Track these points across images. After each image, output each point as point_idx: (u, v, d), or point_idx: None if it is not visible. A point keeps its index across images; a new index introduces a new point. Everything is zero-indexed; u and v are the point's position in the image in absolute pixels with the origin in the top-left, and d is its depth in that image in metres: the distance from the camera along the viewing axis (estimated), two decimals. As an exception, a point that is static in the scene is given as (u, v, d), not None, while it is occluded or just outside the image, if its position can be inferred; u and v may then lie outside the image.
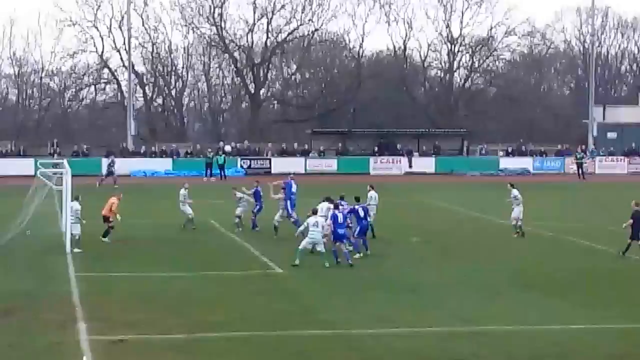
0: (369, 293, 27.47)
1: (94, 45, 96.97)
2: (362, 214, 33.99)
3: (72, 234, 34.45)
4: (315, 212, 32.76)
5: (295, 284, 29.12)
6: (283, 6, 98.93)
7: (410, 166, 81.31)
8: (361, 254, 33.46)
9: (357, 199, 35.42)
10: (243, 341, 21.91)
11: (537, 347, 21.65)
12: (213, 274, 30.68)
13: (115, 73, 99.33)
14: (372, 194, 38.97)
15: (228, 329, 22.80)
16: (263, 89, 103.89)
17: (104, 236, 36.69)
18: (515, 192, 39.45)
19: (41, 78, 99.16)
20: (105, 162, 69.15)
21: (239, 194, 40.39)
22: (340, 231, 32.16)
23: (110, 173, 64.98)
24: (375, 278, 29.94)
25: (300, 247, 31.90)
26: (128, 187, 57.10)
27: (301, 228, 33.20)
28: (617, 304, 26.21)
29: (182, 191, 40.80)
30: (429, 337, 22.35)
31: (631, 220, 33.76)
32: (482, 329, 23.14)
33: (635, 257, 33.33)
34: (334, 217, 32.30)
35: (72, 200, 34.87)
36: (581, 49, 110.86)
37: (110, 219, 36.86)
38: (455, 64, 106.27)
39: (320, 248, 32.06)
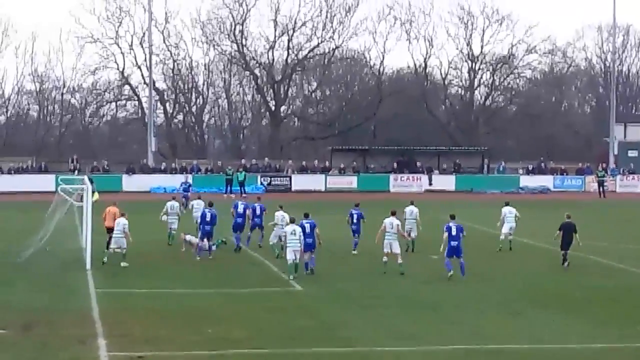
0: (388, 310, 27.46)
1: (115, 62, 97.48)
2: (454, 232, 32.55)
3: (120, 248, 35.55)
4: (292, 221, 33.32)
5: (314, 301, 29.10)
6: (304, 23, 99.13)
7: (430, 184, 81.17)
8: (451, 273, 32.40)
9: (453, 217, 33.25)
10: (262, 358, 21.92)
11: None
12: (233, 291, 30.72)
13: (136, 90, 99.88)
14: (411, 209, 38.92)
15: (247, 346, 22.78)
16: (283, 106, 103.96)
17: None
18: (504, 210, 40.19)
19: (62, 94, 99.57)
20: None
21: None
22: (309, 240, 33.07)
23: (185, 196, 62.29)
24: (395, 295, 29.89)
25: (289, 262, 32.40)
26: (148, 204, 57.19)
27: (280, 235, 32.98)
28: (638, 322, 26.03)
29: (173, 203, 42.01)
30: (449, 355, 22.31)
31: (560, 232, 35.10)
32: (502, 347, 23.08)
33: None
34: (302, 227, 33.08)
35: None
36: (602, 67, 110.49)
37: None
38: (476, 82, 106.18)
39: (295, 257, 32.41)
